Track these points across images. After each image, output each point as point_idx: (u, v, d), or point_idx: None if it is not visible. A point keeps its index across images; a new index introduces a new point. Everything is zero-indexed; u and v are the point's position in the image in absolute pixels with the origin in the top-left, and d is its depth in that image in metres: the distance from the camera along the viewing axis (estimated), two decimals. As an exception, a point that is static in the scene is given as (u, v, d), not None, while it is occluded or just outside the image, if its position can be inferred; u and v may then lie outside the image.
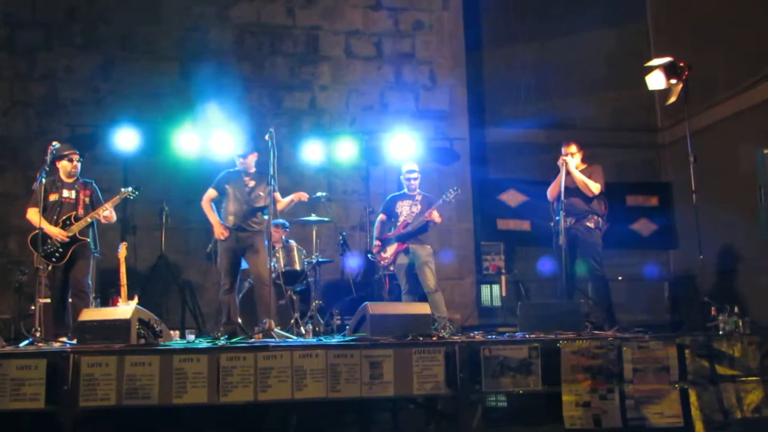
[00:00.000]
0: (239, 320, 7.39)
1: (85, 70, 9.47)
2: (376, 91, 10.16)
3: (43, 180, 6.17)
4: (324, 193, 8.29)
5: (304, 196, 7.07)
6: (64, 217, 6.56)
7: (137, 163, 9.13)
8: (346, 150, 9.51)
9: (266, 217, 6.85)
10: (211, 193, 7.12)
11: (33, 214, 6.45)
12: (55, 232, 6.45)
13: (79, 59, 9.47)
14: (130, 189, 6.91)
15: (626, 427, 5.20)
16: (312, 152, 9.41)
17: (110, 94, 9.45)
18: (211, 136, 9.09)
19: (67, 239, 6.47)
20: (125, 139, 8.96)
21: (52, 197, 6.60)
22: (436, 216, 7.36)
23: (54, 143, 6.32)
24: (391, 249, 7.57)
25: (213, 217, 7.00)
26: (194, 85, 9.49)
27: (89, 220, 6.61)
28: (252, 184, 6.96)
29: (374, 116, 10.06)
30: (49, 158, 6.21)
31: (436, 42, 10.37)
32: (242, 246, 6.84)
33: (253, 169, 7.07)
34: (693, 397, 5.24)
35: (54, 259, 6.43)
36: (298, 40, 10.03)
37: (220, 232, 6.90)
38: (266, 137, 6.49)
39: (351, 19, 10.20)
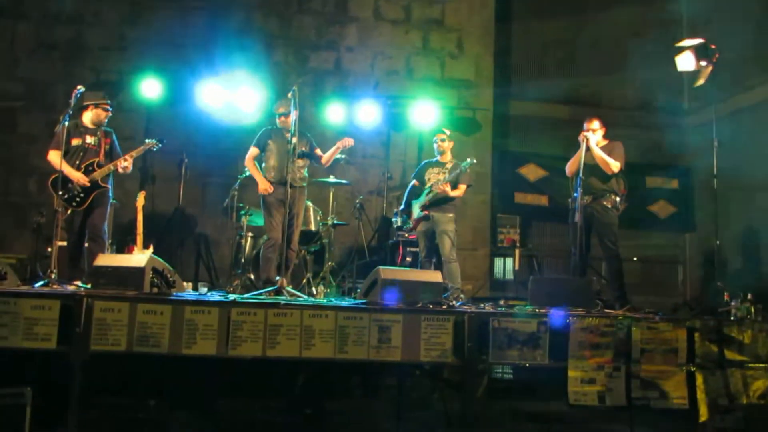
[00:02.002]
0: (251, 276, 7.47)
1: (112, 16, 9.47)
2: (402, 55, 10.09)
3: (66, 123, 6.18)
4: (344, 156, 8.27)
5: (349, 141, 6.96)
6: (86, 163, 6.59)
7: (159, 112, 9.16)
8: (368, 113, 9.47)
9: (306, 174, 7.00)
10: (254, 151, 7.11)
11: (54, 156, 6.46)
12: (78, 176, 6.49)
13: (107, 4, 9.47)
14: (154, 141, 6.92)
15: (631, 406, 5.21)
16: (334, 113, 9.38)
17: (136, 41, 9.44)
18: (235, 91, 9.08)
19: (89, 185, 6.52)
20: (149, 88, 8.97)
21: (75, 142, 6.62)
22: (446, 188, 7.27)
23: (79, 87, 6.29)
24: (415, 214, 7.55)
25: (257, 174, 7.02)
26: (220, 38, 9.47)
27: (111, 168, 6.64)
28: (294, 140, 6.84)
29: (399, 81, 10.00)
30: (73, 102, 6.20)
31: (466, 10, 10.25)
32: (282, 200, 6.81)
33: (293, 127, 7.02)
34: (699, 381, 5.23)
35: (74, 204, 6.48)
36: (327, -2, 9.96)
37: (264, 187, 6.91)
38: (289, 95, 6.47)
39: (381, -20, 10.10)
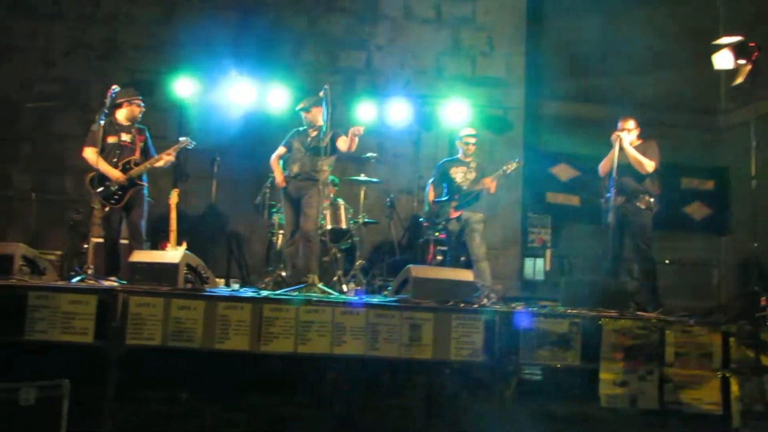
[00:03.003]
0: (283, 273, 7.52)
1: (145, 16, 9.58)
2: (432, 54, 10.06)
3: (102, 122, 6.26)
4: (374, 154, 8.29)
5: (358, 129, 6.88)
6: (123, 161, 6.68)
7: (192, 112, 9.24)
8: (398, 113, 9.46)
9: (329, 169, 7.03)
10: (280, 150, 7.26)
11: (90, 154, 6.55)
12: (116, 174, 6.58)
13: (139, 5, 9.58)
14: (188, 139, 7.00)
15: (663, 410, 5.16)
16: (365, 112, 9.37)
17: (168, 41, 9.53)
18: (266, 90, 9.14)
19: (126, 182, 6.60)
20: (182, 87, 9.05)
21: (111, 139, 6.71)
22: (490, 184, 7.31)
23: (114, 86, 6.38)
24: (444, 214, 7.55)
25: (277, 170, 7.19)
26: (251, 37, 9.54)
27: (148, 165, 6.73)
28: (314, 134, 7.01)
29: (429, 80, 9.97)
30: (108, 101, 6.28)
31: (497, 8, 10.18)
32: (299, 195, 6.97)
33: (319, 123, 7.05)
34: (734, 386, 5.16)
35: (112, 201, 6.57)
36: (356, -3, 9.98)
37: (279, 180, 7.11)
38: (321, 93, 6.50)
39: (412, -21, 10.09)
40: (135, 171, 6.67)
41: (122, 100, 6.78)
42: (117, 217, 6.69)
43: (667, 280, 8.82)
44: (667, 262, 9.55)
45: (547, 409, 6.17)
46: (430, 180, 8.03)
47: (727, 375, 5.20)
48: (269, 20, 9.74)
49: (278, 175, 7.16)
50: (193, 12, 9.63)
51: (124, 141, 6.76)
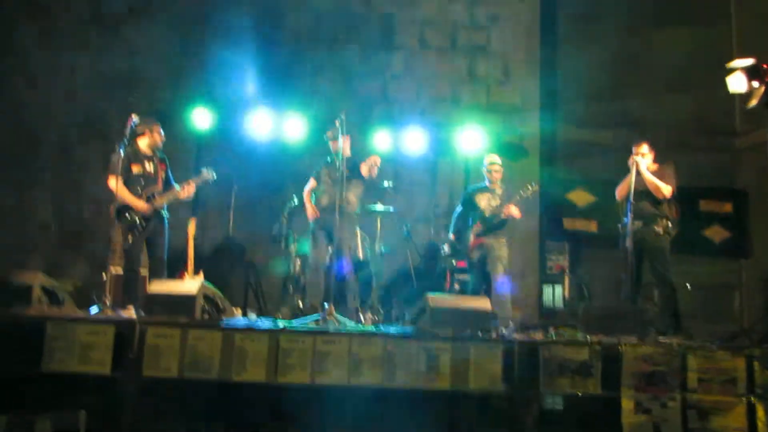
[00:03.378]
0: (300, 303, 7.51)
1: (164, 48, 9.72)
2: (447, 82, 10.12)
3: (122, 151, 6.29)
4: (390, 183, 8.30)
5: (375, 160, 7.07)
6: (148, 191, 6.71)
7: (209, 142, 9.33)
8: (414, 141, 9.48)
9: (355, 198, 7.14)
10: (311, 183, 7.38)
11: (114, 183, 6.50)
12: (140, 205, 6.60)
13: (159, 36, 9.72)
14: (210, 171, 7.01)
15: (686, 437, 5.07)
16: (381, 141, 9.41)
17: (187, 72, 9.67)
18: (283, 120, 9.21)
19: (150, 213, 6.63)
20: (199, 118, 9.15)
21: (135, 169, 6.72)
22: (514, 211, 7.30)
23: (134, 116, 6.42)
24: (466, 242, 7.51)
25: (309, 204, 7.28)
26: (268, 69, 9.63)
27: (171, 197, 6.76)
28: (342, 167, 6.92)
29: (445, 108, 10.02)
30: (128, 130, 6.32)
31: (511, 35, 10.24)
32: (328, 227, 7.01)
33: (347, 154, 6.95)
34: (761, 412, 5.05)
35: (136, 232, 6.58)
36: (373, 27, 10.06)
37: (310, 214, 7.19)
38: (336, 123, 6.54)
39: (427, 9, 10.16)
40: (158, 201, 6.69)
41: (144, 128, 6.81)
42: (139, 247, 6.69)
43: (687, 305, 8.71)
44: (687, 286, 9.44)
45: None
46: (457, 209, 7.99)
47: (753, 400, 5.10)
48: (287, 51, 9.86)
49: (309, 209, 7.23)
50: (212, 42, 9.76)
51: (148, 171, 6.77)
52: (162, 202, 6.72)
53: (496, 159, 7.75)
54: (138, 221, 6.59)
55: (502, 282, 7.29)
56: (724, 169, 10.82)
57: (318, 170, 7.31)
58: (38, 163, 9.35)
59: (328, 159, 7.32)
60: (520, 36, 10.25)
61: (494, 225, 7.39)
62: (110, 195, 6.48)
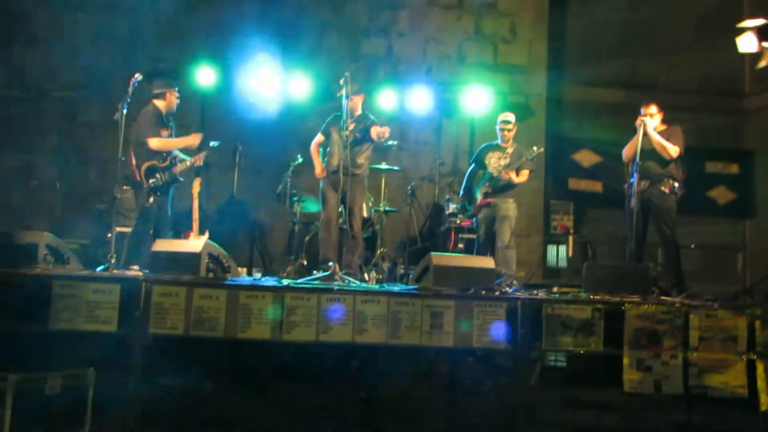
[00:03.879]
0: (305, 262, 7.55)
1: (168, 6, 9.58)
2: (454, 41, 10.03)
3: (125, 111, 6.25)
4: (395, 142, 8.27)
5: (383, 132, 6.82)
6: (171, 156, 6.72)
7: (213, 101, 9.30)
8: (420, 100, 9.44)
9: (366, 161, 7.02)
10: (319, 137, 7.20)
11: (160, 143, 6.56)
12: (193, 140, 6.75)
13: (163, -6, 9.63)
14: (214, 143, 7.00)
15: (688, 394, 5.12)
16: (386, 100, 9.37)
17: (191, 30, 9.59)
18: (287, 78, 9.15)
19: (175, 174, 6.69)
20: (203, 77, 9.11)
21: (164, 133, 6.68)
22: (513, 176, 7.21)
23: (137, 75, 6.37)
24: (474, 201, 7.47)
25: (316, 159, 7.15)
26: (273, 25, 9.54)
27: (188, 164, 6.77)
28: (352, 126, 6.79)
29: (450, 67, 9.95)
30: (131, 89, 6.29)
31: (520, -7, 10.13)
32: (337, 188, 6.72)
33: (358, 112, 6.99)
34: (760, 369, 5.09)
35: (158, 194, 6.59)
36: (379, -16, 9.95)
37: (318, 172, 7.08)
38: (341, 81, 6.49)
39: (434, -34, 10.04)
40: (181, 167, 6.71)
41: (163, 90, 6.74)
42: (155, 209, 6.67)
43: (692, 265, 8.75)
44: (692, 246, 9.45)
45: (572, 396, 6.17)
46: (470, 167, 7.91)
47: (753, 358, 5.14)
48: (292, 7, 9.76)
49: (318, 166, 7.10)
50: (215, 1, 9.65)
51: (171, 134, 6.78)
52: (184, 167, 6.75)
53: (510, 117, 7.59)
54: (162, 183, 6.58)
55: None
56: (731, 131, 10.78)
57: (328, 127, 7.12)
58: (42, 124, 9.33)
59: (338, 114, 7.04)
60: (528, -6, 10.14)
61: (502, 185, 7.32)
62: (119, 154, 6.34)
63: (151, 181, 6.50)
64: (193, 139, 6.71)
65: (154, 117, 6.58)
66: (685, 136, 6.89)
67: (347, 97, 6.49)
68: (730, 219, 10.49)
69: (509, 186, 7.29)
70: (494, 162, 7.43)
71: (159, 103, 6.74)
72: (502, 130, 7.50)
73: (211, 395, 5.57)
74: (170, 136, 6.78)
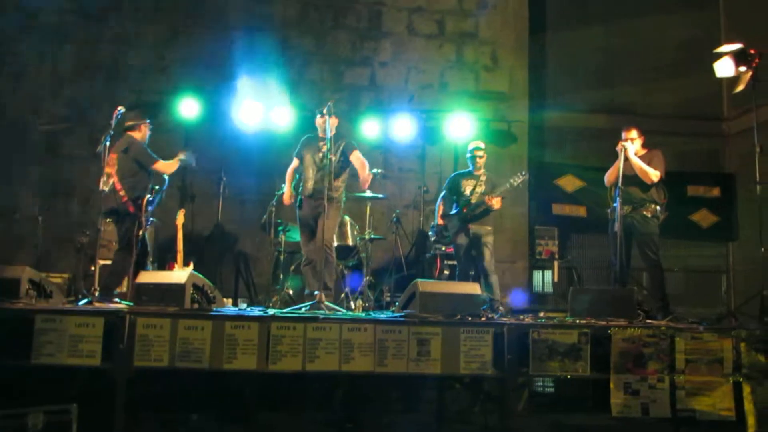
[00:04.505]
0: (290, 291, 7.52)
1: (152, 38, 9.64)
2: (436, 69, 10.11)
3: (107, 144, 6.24)
4: (379, 170, 8.29)
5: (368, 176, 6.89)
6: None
7: (197, 132, 9.28)
8: (403, 128, 9.48)
9: (341, 183, 6.88)
10: (294, 162, 7.13)
11: (165, 166, 6.69)
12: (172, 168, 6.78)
13: (146, 26, 9.64)
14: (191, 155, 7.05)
15: (675, 417, 5.13)
16: (370, 128, 9.41)
17: (175, 62, 9.60)
18: (271, 109, 9.18)
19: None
20: (187, 108, 9.10)
21: None
22: (495, 202, 7.29)
23: (120, 108, 6.40)
24: (452, 228, 7.53)
25: (288, 186, 7.09)
26: (256, 58, 9.57)
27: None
28: (324, 148, 6.65)
29: (433, 95, 10.02)
30: (114, 122, 6.29)
31: (500, 22, 10.25)
32: (315, 215, 6.73)
33: (333, 133, 6.69)
34: (747, 391, 5.12)
35: (148, 224, 6.62)
36: (360, 15, 10.03)
37: (286, 197, 7.03)
38: (324, 110, 6.53)
39: (415, -5, 10.16)
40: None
41: (136, 122, 6.80)
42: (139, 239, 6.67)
43: (676, 288, 8.79)
44: (676, 270, 9.52)
45: (560, 422, 6.16)
46: (441, 194, 8.02)
47: (739, 380, 5.16)
48: (275, 40, 9.80)
49: (287, 192, 7.04)
50: (199, 32, 9.70)
51: None
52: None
53: (480, 144, 7.75)
54: (150, 213, 6.62)
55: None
56: (711, 154, 10.91)
57: (300, 149, 7.05)
58: (24, 156, 9.27)
59: (310, 136, 7.08)
60: (508, 22, 10.26)
61: (480, 212, 7.41)
62: (100, 186, 6.35)
63: (148, 211, 6.51)
64: (176, 160, 6.77)
65: (142, 146, 6.64)
66: (667, 160, 6.97)
67: (326, 116, 6.50)
68: (713, 242, 10.57)
69: (486, 212, 7.38)
70: (469, 190, 7.53)
71: (135, 135, 6.77)
72: (474, 157, 7.65)
73: (196, 428, 5.51)
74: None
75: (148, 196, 6.57)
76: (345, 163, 6.87)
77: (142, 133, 6.83)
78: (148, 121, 6.91)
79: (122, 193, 6.42)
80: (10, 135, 9.21)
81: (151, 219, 6.82)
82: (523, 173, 7.43)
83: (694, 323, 5.82)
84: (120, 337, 4.84)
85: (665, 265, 6.97)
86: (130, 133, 6.75)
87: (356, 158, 6.84)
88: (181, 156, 6.82)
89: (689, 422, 5.19)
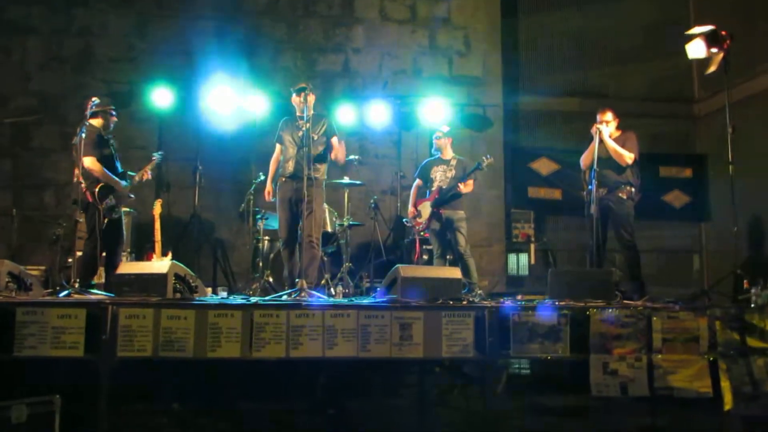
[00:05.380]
0: (270, 279, 7.51)
1: (120, 28, 9.56)
2: (409, 55, 10.14)
3: (83, 135, 6.16)
4: (356, 156, 8.31)
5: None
6: (118, 173, 6.65)
7: (171, 121, 9.24)
8: (378, 114, 9.51)
9: (324, 164, 6.72)
10: (276, 151, 6.94)
11: (94, 164, 6.42)
12: (121, 187, 6.60)
13: (114, 16, 9.57)
14: (156, 155, 7.07)
15: (654, 395, 5.22)
16: (345, 115, 9.41)
17: (145, 51, 9.54)
18: (244, 97, 9.14)
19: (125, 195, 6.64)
20: (160, 98, 9.03)
21: (105, 152, 6.62)
22: (464, 187, 7.38)
23: (93, 99, 6.32)
24: (425, 214, 7.60)
25: (269, 181, 6.93)
26: (228, 46, 9.54)
27: (137, 179, 6.74)
28: (304, 127, 6.32)
29: (407, 81, 10.05)
30: (89, 113, 6.22)
31: (472, 7, 10.29)
32: (298, 197, 6.49)
33: (311, 112, 6.51)
34: (723, 369, 5.22)
35: (114, 213, 6.52)
36: (332, 1, 10.02)
37: (266, 192, 6.90)
38: (300, 87, 6.51)
39: (386, -19, 10.14)
40: (130, 184, 6.69)
41: (98, 110, 6.63)
42: (112, 229, 6.59)
43: (650, 269, 8.93)
44: (650, 250, 9.65)
45: (539, 402, 6.23)
46: (414, 181, 8.08)
47: (715, 358, 5.26)
48: (247, 27, 9.76)
49: (268, 186, 6.86)
50: (169, 21, 9.63)
51: (113, 153, 6.71)
52: (133, 183, 6.69)
53: (443, 129, 7.86)
54: (114, 203, 6.51)
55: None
56: (683, 136, 11.05)
57: (279, 132, 6.87)
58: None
59: (286, 118, 6.92)
60: (480, 7, 10.32)
61: (450, 196, 7.49)
62: (77, 177, 6.25)
63: (105, 202, 6.43)
64: (123, 187, 6.64)
65: (93, 136, 6.46)
66: (639, 142, 7.05)
67: (304, 99, 6.45)
68: (685, 222, 10.73)
69: (457, 196, 7.46)
70: (440, 175, 7.62)
71: (95, 122, 6.64)
72: (437, 140, 7.70)
73: (180, 417, 5.50)
74: (110, 155, 6.70)
75: (101, 183, 6.44)
76: (327, 145, 6.73)
77: (102, 121, 6.68)
78: (112, 108, 6.76)
79: (82, 182, 6.32)
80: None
81: (122, 209, 6.72)
82: (488, 157, 7.49)
83: (670, 303, 5.91)
84: (103, 328, 4.81)
85: (639, 246, 7.07)
86: (90, 120, 6.52)
87: (335, 142, 6.73)
88: (137, 178, 6.80)
89: (667, 400, 5.28)
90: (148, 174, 6.87)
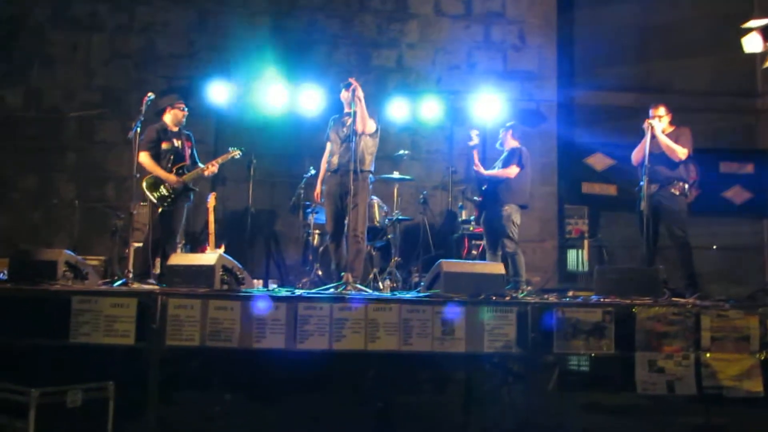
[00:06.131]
0: (320, 272, 7.61)
1: (181, 24, 9.80)
2: (463, 50, 10.10)
3: (138, 129, 6.34)
4: (407, 151, 8.33)
5: None
6: (177, 166, 6.85)
7: (228, 116, 9.42)
8: (430, 109, 9.51)
9: (369, 155, 6.70)
10: (327, 149, 6.98)
11: (145, 158, 6.71)
12: (172, 179, 6.76)
13: (175, 13, 9.81)
14: (236, 150, 7.22)
15: (701, 394, 5.12)
16: (397, 110, 9.44)
17: (204, 48, 9.76)
18: (299, 93, 9.27)
19: (180, 187, 6.80)
20: (217, 93, 9.24)
21: (165, 146, 6.86)
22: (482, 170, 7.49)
23: (150, 94, 6.46)
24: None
25: (319, 177, 7.02)
26: (284, 41, 9.66)
27: (199, 172, 6.92)
28: (350, 122, 6.49)
29: (460, 76, 10.01)
30: (144, 108, 6.41)
31: (527, 1, 10.19)
32: (342, 191, 6.58)
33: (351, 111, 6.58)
34: (774, 367, 5.10)
35: (165, 205, 6.72)
36: (387, -3, 10.05)
37: (316, 193, 7.00)
38: (348, 90, 6.56)
39: (441, -24, 10.13)
40: (188, 176, 6.84)
41: (166, 105, 6.97)
42: (162, 221, 6.79)
43: (712, 266, 8.72)
44: (714, 248, 9.43)
45: (588, 400, 6.16)
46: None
47: (766, 357, 5.13)
48: (302, 23, 9.89)
49: (318, 186, 6.95)
50: (227, 18, 9.83)
51: (176, 146, 6.92)
52: (191, 177, 6.87)
53: (506, 124, 7.81)
54: (167, 195, 6.71)
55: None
56: (745, 131, 10.72)
57: (328, 131, 6.94)
58: (59, 143, 9.52)
59: (335, 116, 6.99)
60: (535, 1, 10.19)
61: (497, 187, 7.45)
62: (134, 171, 6.43)
63: (155, 194, 6.63)
64: (172, 177, 6.79)
65: (153, 132, 6.77)
66: (697, 138, 6.89)
67: (351, 94, 6.49)
68: (747, 219, 10.42)
69: (506, 188, 7.35)
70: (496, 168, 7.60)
71: (166, 118, 6.97)
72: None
73: (226, 406, 5.63)
74: (180, 148, 6.92)
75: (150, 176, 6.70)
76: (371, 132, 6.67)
77: (172, 116, 6.98)
78: (177, 103, 7.01)
79: (137, 174, 6.53)
80: (45, 123, 9.45)
81: (179, 202, 6.88)
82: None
83: (721, 301, 5.78)
84: (153, 318, 4.97)
85: (701, 243, 6.91)
86: (161, 116, 6.96)
87: (359, 110, 6.53)
88: (201, 170, 6.96)
89: (717, 399, 5.18)
90: (216, 167, 7.02)
